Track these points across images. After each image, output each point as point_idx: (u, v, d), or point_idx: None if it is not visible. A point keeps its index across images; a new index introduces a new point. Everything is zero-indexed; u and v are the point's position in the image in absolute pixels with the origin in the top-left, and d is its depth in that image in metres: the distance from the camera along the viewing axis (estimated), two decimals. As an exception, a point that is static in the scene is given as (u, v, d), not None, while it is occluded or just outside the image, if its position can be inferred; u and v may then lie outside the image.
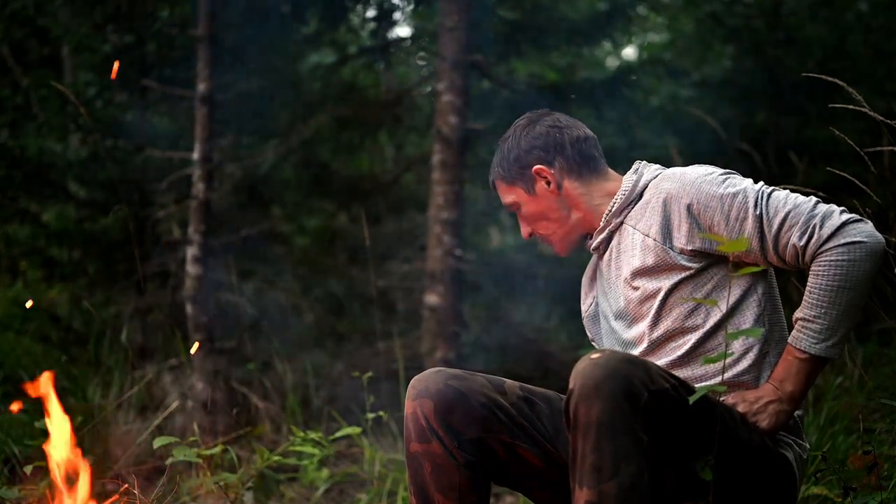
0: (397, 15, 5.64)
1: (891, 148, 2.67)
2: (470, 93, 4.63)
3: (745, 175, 2.06)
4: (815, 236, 1.91)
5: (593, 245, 2.17)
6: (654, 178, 2.09)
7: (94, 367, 4.68)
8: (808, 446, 2.05)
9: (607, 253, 2.14)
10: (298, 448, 2.67)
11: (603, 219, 2.13)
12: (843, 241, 1.89)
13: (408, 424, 2.05)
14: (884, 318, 2.72)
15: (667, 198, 2.02)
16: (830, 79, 2.52)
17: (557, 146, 2.15)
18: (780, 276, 2.09)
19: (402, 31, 12.70)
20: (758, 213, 1.94)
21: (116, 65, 4.28)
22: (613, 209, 2.11)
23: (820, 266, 1.91)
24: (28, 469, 2.75)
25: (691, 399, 1.74)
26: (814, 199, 1.96)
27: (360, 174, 6.45)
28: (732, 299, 1.99)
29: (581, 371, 1.75)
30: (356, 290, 5.49)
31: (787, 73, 6.08)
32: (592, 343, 2.28)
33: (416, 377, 2.09)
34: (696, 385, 1.94)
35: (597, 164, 2.17)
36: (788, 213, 1.93)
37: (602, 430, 1.70)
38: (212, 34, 4.48)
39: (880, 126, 2.54)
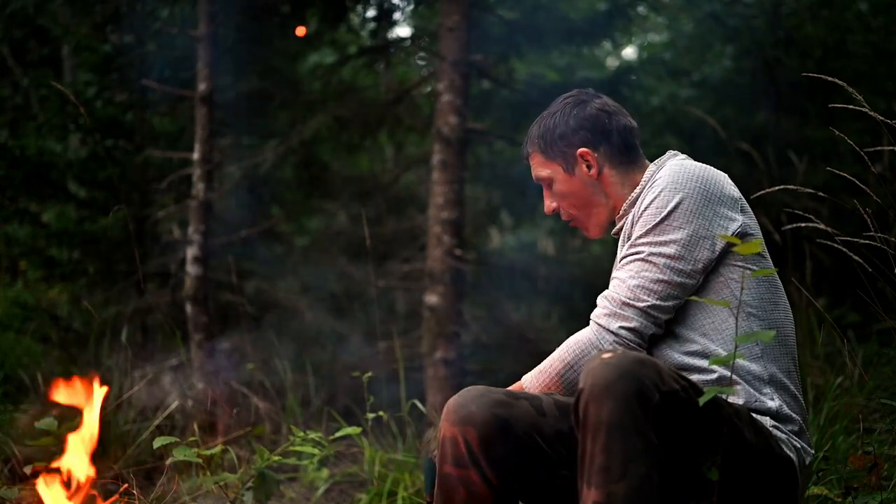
0: (397, 15, 5.64)
1: (891, 148, 2.66)
2: (470, 93, 4.63)
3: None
4: (605, 311, 2.02)
5: (613, 231, 2.21)
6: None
7: (95, 367, 4.68)
8: (812, 451, 2.04)
9: (620, 240, 2.17)
10: (298, 448, 2.66)
11: (623, 207, 2.16)
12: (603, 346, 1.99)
13: (444, 447, 1.98)
14: (884, 318, 2.72)
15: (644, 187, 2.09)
16: (830, 79, 2.52)
17: (605, 132, 2.16)
18: (779, 279, 2.09)
19: (402, 31, 12.73)
20: (635, 250, 2.01)
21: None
22: (631, 198, 2.14)
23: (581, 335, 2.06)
24: (28, 469, 2.74)
25: (701, 401, 1.72)
26: (648, 309, 1.99)
27: (360, 174, 6.45)
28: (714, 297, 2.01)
29: (592, 371, 1.74)
30: (356, 290, 5.49)
31: (787, 73, 6.08)
32: None
33: (456, 399, 2.00)
34: (706, 387, 1.93)
35: (636, 155, 2.19)
36: (629, 278, 2.00)
37: (612, 430, 1.69)
38: (212, 34, 4.48)
39: (880, 126, 2.53)
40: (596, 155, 2.16)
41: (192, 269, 4.47)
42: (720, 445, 1.81)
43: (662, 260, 1.99)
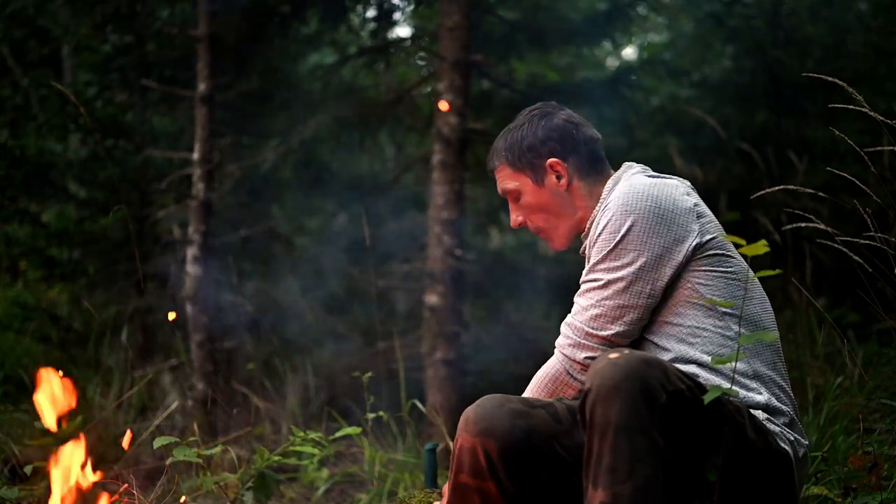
0: (397, 15, 5.64)
1: (891, 148, 2.66)
2: (470, 93, 4.63)
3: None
4: (570, 342, 2.04)
5: (581, 250, 2.19)
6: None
7: (94, 367, 4.68)
8: (806, 442, 2.04)
9: (586, 259, 2.15)
10: (298, 448, 2.67)
11: (587, 225, 2.14)
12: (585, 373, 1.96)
13: (461, 456, 1.96)
14: (884, 318, 2.72)
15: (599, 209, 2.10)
16: (830, 79, 2.52)
17: (573, 142, 2.15)
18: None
19: (402, 31, 12.73)
20: (593, 276, 2.02)
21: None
22: (592, 216, 2.13)
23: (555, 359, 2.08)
24: (28, 469, 2.75)
25: (706, 399, 1.74)
26: (610, 330, 2.01)
27: (360, 174, 6.44)
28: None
29: (599, 370, 1.74)
30: (356, 290, 5.48)
31: (787, 73, 6.08)
32: None
33: (475, 409, 1.97)
34: (708, 385, 1.94)
35: (603, 167, 2.18)
36: (590, 306, 2.02)
37: (619, 430, 1.69)
38: (212, 34, 4.48)
39: (880, 126, 2.53)
40: (566, 165, 2.14)
41: (192, 269, 4.46)
42: (723, 444, 1.81)
43: (621, 284, 1.99)
